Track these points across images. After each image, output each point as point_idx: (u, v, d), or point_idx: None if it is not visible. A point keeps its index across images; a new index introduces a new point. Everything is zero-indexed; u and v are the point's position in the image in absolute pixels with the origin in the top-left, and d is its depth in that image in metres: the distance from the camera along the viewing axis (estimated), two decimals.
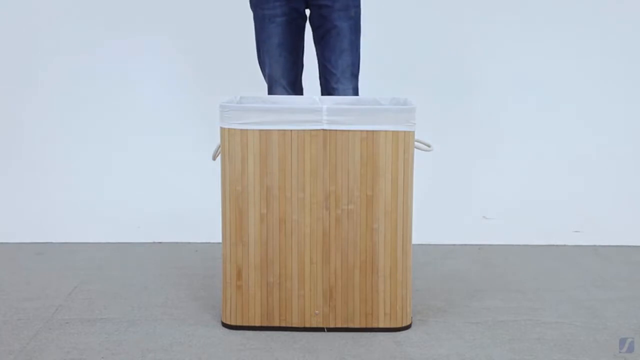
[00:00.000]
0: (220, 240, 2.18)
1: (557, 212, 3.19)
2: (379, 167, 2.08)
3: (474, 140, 3.46)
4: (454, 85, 3.43)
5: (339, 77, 2.49)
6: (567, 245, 2.99)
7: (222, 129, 2.11)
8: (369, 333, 2.14)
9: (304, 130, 2.07)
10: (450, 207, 3.21)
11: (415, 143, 2.14)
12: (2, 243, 2.96)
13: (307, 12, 2.54)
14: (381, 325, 2.14)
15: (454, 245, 2.97)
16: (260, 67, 2.58)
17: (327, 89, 2.52)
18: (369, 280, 2.13)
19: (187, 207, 3.17)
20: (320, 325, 2.15)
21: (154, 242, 2.99)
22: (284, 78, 2.52)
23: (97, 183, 3.34)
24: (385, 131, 2.07)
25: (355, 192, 2.09)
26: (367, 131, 2.07)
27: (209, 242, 2.92)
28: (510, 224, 3.13)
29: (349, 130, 2.07)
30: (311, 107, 2.08)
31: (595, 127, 3.49)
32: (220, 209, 2.14)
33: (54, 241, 2.98)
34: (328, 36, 2.50)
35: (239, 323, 2.16)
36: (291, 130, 2.07)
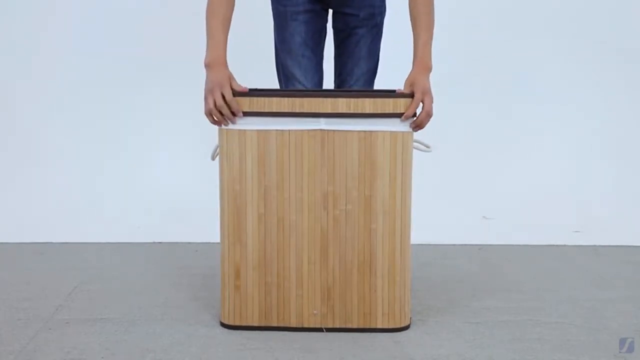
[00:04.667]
0: (219, 240, 2.18)
1: (557, 212, 3.19)
2: (377, 167, 2.07)
3: (473, 140, 3.46)
4: (454, 85, 3.43)
5: (352, 84, 2.45)
6: (567, 245, 2.98)
7: (220, 129, 2.11)
8: (368, 333, 2.14)
9: (302, 130, 2.07)
10: (450, 207, 3.21)
11: (415, 144, 2.14)
12: (2, 243, 2.96)
13: (330, 12, 2.47)
14: (379, 326, 2.14)
15: (454, 245, 2.97)
16: (277, 70, 2.47)
17: None
18: (367, 281, 2.13)
19: (187, 207, 3.18)
20: (319, 326, 2.15)
21: (154, 242, 2.99)
22: (307, 80, 2.39)
23: (97, 183, 3.34)
24: (384, 132, 2.06)
25: (354, 193, 2.09)
26: (365, 131, 2.07)
27: (208, 242, 2.92)
28: (510, 224, 3.13)
29: (347, 131, 2.07)
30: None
31: (596, 127, 3.49)
32: (219, 209, 2.15)
33: (54, 241, 2.98)
34: (347, 42, 2.44)
35: (237, 323, 2.16)
36: (289, 130, 2.07)
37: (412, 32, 2.19)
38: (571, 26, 3.49)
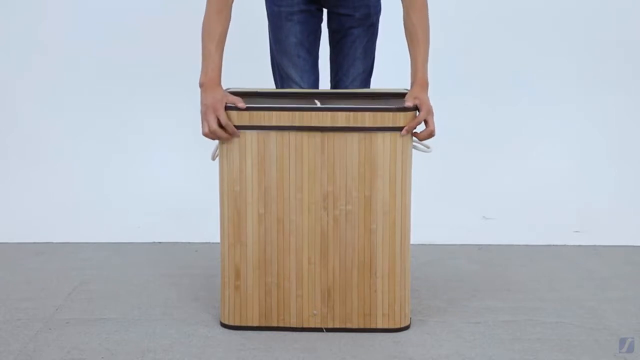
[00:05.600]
0: (219, 240, 2.18)
1: (557, 212, 3.19)
2: (377, 167, 2.07)
3: (473, 140, 3.46)
4: (454, 84, 3.43)
5: (348, 85, 2.45)
6: (567, 245, 2.98)
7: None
8: (368, 333, 2.14)
9: (302, 130, 2.07)
10: (450, 207, 3.21)
11: (414, 144, 2.13)
12: (2, 243, 2.96)
13: (324, 12, 2.47)
14: (379, 326, 2.14)
15: (454, 245, 2.97)
16: (273, 71, 2.47)
17: None
18: (367, 281, 2.13)
19: (187, 207, 3.18)
20: (319, 326, 2.15)
21: (154, 242, 2.99)
22: (303, 81, 2.40)
23: (97, 183, 3.34)
24: (384, 132, 2.06)
25: (354, 193, 2.09)
26: (365, 132, 2.06)
27: (209, 242, 2.92)
28: (510, 224, 3.13)
29: (347, 131, 2.06)
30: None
31: (596, 127, 3.49)
32: (219, 209, 2.15)
33: (54, 241, 2.98)
34: (342, 43, 2.44)
35: (237, 323, 2.16)
36: (289, 130, 2.07)
37: (408, 48, 2.20)
38: (572, 26, 3.49)
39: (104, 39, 3.44)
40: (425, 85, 2.15)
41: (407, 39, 2.20)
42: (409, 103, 2.08)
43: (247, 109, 2.06)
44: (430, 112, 2.09)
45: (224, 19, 2.13)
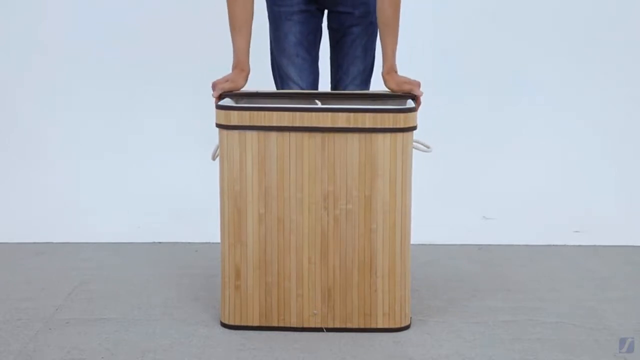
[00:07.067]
0: (219, 240, 2.18)
1: (557, 212, 3.19)
2: (377, 167, 2.07)
3: (474, 140, 3.47)
4: (454, 84, 3.43)
5: (348, 84, 2.46)
6: (567, 245, 2.98)
7: (220, 130, 2.11)
8: (368, 333, 2.14)
9: (302, 130, 2.07)
10: (450, 207, 3.21)
11: (415, 144, 2.14)
12: (2, 243, 2.96)
13: (325, 12, 2.48)
14: (380, 326, 2.14)
15: (454, 245, 2.97)
16: (273, 71, 2.48)
17: None
18: (368, 281, 2.13)
19: (187, 207, 3.18)
20: (319, 326, 2.15)
21: (154, 242, 2.99)
22: (302, 80, 2.41)
23: (97, 183, 3.34)
24: (384, 132, 2.06)
25: (354, 192, 2.09)
26: (365, 131, 2.06)
27: (209, 242, 2.92)
28: (510, 224, 3.13)
29: (347, 131, 2.06)
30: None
31: (596, 127, 3.49)
32: (219, 209, 2.15)
33: (54, 241, 2.98)
34: (343, 42, 2.45)
35: (237, 323, 2.17)
36: (290, 130, 2.07)
37: (380, 36, 2.29)
38: (572, 26, 3.49)
39: (104, 39, 3.44)
40: (394, 70, 2.27)
41: (379, 27, 2.28)
42: (403, 87, 2.22)
43: (247, 109, 2.07)
44: (414, 85, 2.21)
45: (241, 8, 2.26)
